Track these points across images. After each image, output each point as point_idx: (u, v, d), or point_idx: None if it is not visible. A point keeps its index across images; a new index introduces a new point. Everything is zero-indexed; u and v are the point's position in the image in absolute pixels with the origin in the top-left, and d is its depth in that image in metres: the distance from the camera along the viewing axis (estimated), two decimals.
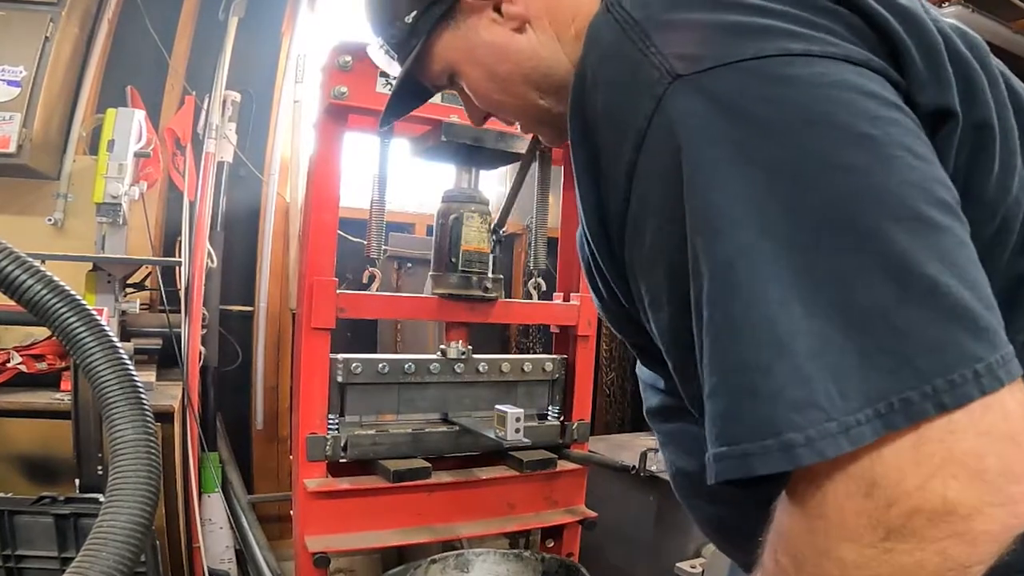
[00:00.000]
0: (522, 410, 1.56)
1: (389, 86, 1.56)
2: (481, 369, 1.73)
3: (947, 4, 3.02)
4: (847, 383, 0.42)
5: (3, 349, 2.06)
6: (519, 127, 0.81)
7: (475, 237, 1.66)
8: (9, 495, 1.57)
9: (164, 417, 2.08)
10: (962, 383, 0.41)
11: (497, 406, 1.59)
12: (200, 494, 2.51)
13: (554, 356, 1.86)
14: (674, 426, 0.75)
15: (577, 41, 0.60)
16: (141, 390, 0.77)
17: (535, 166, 1.85)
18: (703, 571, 2.12)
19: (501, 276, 1.73)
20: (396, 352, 2.94)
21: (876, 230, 0.42)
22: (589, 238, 0.59)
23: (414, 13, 0.72)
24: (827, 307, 0.42)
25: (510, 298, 1.80)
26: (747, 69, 0.45)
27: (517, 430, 1.53)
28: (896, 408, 0.41)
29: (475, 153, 1.67)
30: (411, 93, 0.83)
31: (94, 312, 0.76)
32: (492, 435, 1.57)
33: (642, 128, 0.48)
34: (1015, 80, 0.58)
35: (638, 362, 0.79)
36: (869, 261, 0.42)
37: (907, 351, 0.41)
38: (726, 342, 0.44)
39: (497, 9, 0.67)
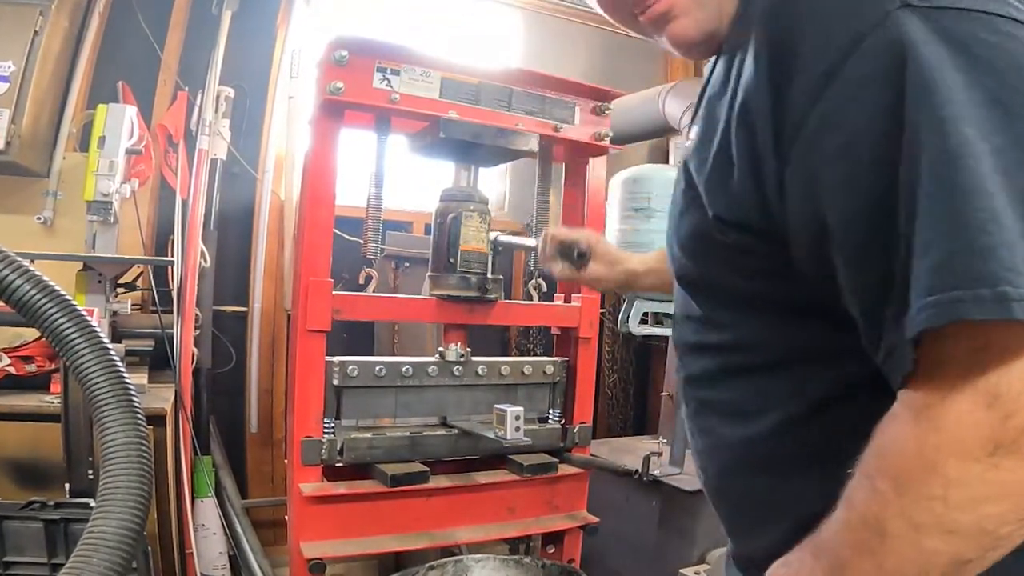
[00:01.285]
0: (521, 408, 1.55)
1: (386, 81, 1.56)
2: (480, 372, 1.73)
3: None
4: None
5: None
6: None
7: (474, 237, 1.66)
8: None
9: (156, 420, 2.08)
10: None
11: (496, 405, 1.59)
12: (193, 499, 2.51)
13: (555, 358, 1.86)
14: (714, 393, 0.77)
15: None
16: (132, 392, 0.77)
17: (536, 164, 1.85)
18: None
19: (501, 277, 1.74)
20: (393, 354, 2.94)
21: None
22: (734, 154, 0.62)
23: None
24: None
25: (510, 299, 1.80)
26: (976, 18, 0.50)
27: (517, 428, 1.53)
28: None
29: (474, 150, 1.67)
30: None
31: (84, 313, 0.76)
32: (491, 435, 1.57)
33: (860, 35, 0.52)
34: None
35: (677, 317, 0.84)
36: None
37: None
38: (945, 207, 0.48)
39: None
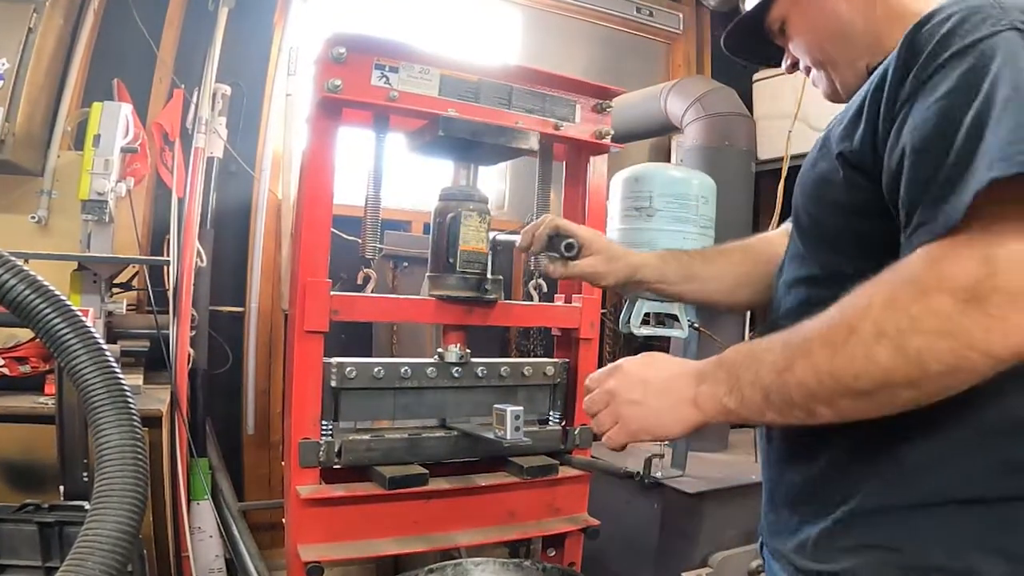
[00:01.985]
0: (521, 408, 1.55)
1: (385, 79, 1.56)
2: (480, 373, 1.73)
3: None
4: None
5: None
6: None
7: (473, 237, 1.66)
8: None
9: (152, 422, 2.09)
10: None
11: (496, 405, 1.59)
12: (189, 501, 2.51)
13: (555, 360, 1.86)
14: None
15: (885, 19, 0.95)
16: (128, 394, 0.77)
17: (536, 162, 1.85)
18: None
19: (500, 277, 1.73)
20: (392, 355, 2.94)
21: None
22: (863, 117, 0.81)
23: None
24: None
25: (510, 299, 1.80)
26: None
27: (517, 428, 1.53)
28: None
29: (473, 148, 1.67)
30: (748, 31, 1.15)
31: (79, 313, 0.76)
32: (491, 436, 1.57)
33: (976, 40, 0.70)
34: None
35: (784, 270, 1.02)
36: None
37: None
38: (1003, 127, 0.65)
39: None
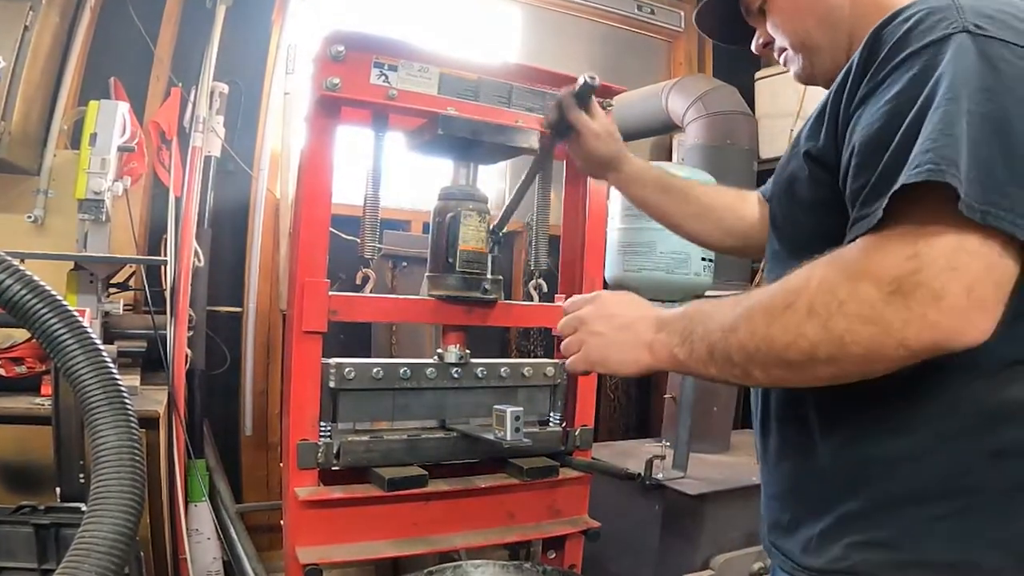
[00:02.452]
0: (521, 408, 1.55)
1: (384, 77, 1.56)
2: (479, 374, 1.73)
3: None
4: (977, 175, 0.66)
5: None
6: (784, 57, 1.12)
7: (473, 236, 1.66)
8: None
9: (149, 423, 2.08)
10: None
11: (496, 406, 1.59)
12: (186, 503, 2.51)
13: (556, 360, 1.86)
14: None
15: (873, 5, 0.94)
16: (125, 395, 0.77)
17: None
18: None
19: (500, 277, 1.73)
20: (391, 355, 2.94)
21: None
22: (826, 115, 0.86)
23: None
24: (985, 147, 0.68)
25: (510, 300, 1.80)
26: (1009, 47, 0.72)
27: (516, 429, 1.53)
28: (989, 217, 0.66)
29: (473, 147, 1.67)
30: (724, 7, 1.16)
31: (76, 313, 0.76)
32: (491, 436, 1.57)
33: (929, 43, 0.74)
34: None
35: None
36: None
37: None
38: (938, 128, 0.69)
39: None
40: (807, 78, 1.09)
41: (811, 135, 0.89)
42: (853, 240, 0.74)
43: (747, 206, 1.37)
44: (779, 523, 0.98)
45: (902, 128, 0.71)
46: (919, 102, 0.71)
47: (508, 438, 1.52)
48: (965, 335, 0.67)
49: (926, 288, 0.66)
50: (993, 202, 0.66)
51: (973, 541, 0.77)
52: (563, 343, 1.04)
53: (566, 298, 1.90)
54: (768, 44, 1.13)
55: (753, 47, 1.17)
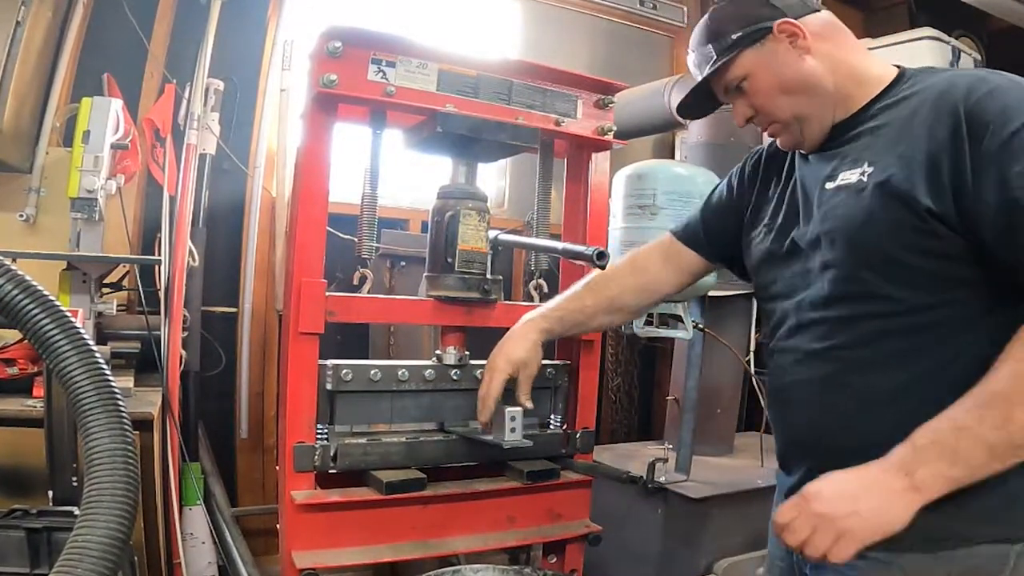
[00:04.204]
0: (520, 408, 1.55)
1: (382, 74, 1.56)
2: (479, 376, 1.72)
3: None
4: None
5: None
6: (767, 131, 1.26)
7: (472, 236, 1.66)
8: None
9: (143, 425, 2.08)
10: None
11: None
12: (181, 507, 2.51)
13: (556, 361, 1.86)
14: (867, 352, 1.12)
15: (850, 79, 1.16)
16: (118, 396, 0.77)
17: (537, 159, 1.85)
18: None
19: (500, 277, 1.73)
20: (389, 357, 2.94)
21: None
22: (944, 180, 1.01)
23: (739, 34, 1.18)
24: None
25: (510, 300, 1.80)
26: None
27: (512, 429, 1.53)
28: None
29: (473, 145, 1.67)
30: (703, 94, 1.29)
31: (68, 314, 0.76)
32: (490, 438, 1.57)
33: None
34: None
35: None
36: None
37: None
38: None
39: (791, 41, 1.16)
40: (795, 145, 1.24)
41: (925, 192, 1.02)
42: None
43: (648, 275, 1.54)
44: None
45: None
46: None
47: (507, 438, 1.52)
48: None
49: None
50: None
51: None
52: (808, 543, 1.01)
53: None
54: (752, 118, 1.25)
55: (737, 122, 1.28)
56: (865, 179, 1.08)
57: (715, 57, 1.22)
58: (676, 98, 3.10)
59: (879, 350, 1.08)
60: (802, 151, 1.24)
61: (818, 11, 1.21)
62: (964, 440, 0.94)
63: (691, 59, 1.30)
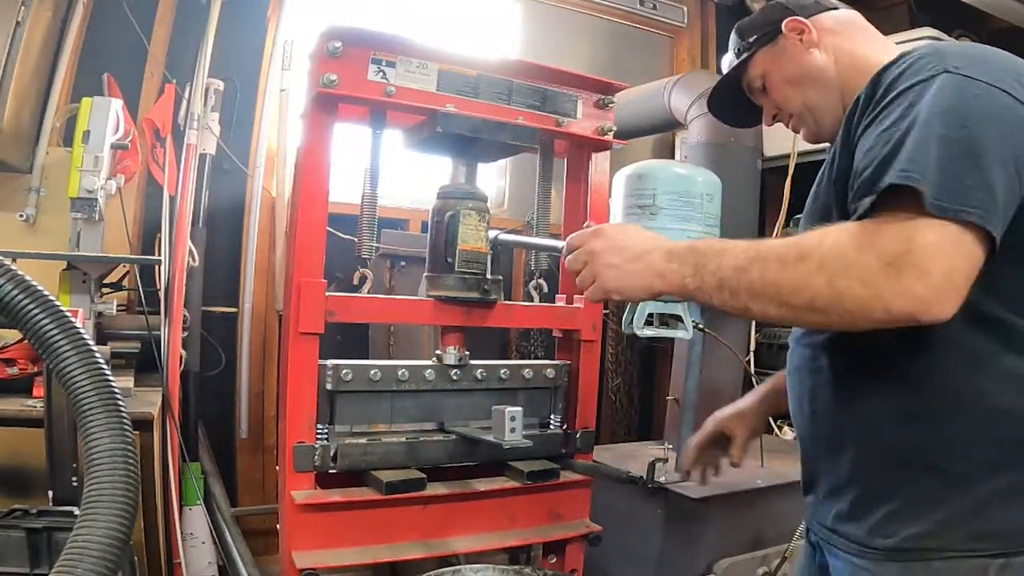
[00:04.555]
0: (520, 408, 1.55)
1: (382, 74, 1.56)
2: (479, 376, 1.73)
3: None
4: (949, 182, 0.85)
5: None
6: (788, 124, 1.32)
7: (472, 236, 1.66)
8: None
9: (142, 425, 2.09)
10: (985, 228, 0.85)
11: (494, 406, 1.59)
12: (181, 507, 2.51)
13: (556, 362, 1.86)
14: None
15: (852, 68, 1.19)
16: (118, 396, 0.77)
17: (537, 159, 1.85)
18: None
19: (500, 277, 1.73)
20: (389, 357, 2.94)
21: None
22: (838, 148, 1.04)
23: (755, 36, 1.29)
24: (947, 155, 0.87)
25: (510, 300, 1.80)
26: (979, 85, 0.91)
27: (512, 430, 1.53)
28: (963, 214, 0.83)
29: (472, 145, 1.67)
30: (731, 91, 1.39)
31: (68, 314, 0.76)
32: (490, 438, 1.57)
33: (918, 81, 0.93)
34: None
35: None
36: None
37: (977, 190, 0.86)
38: (917, 146, 0.88)
39: (799, 37, 1.24)
40: (815, 137, 1.28)
41: (834, 166, 1.06)
42: (856, 216, 0.92)
43: None
44: (840, 512, 1.10)
45: (892, 145, 0.90)
46: (905, 126, 0.90)
47: (506, 438, 1.52)
48: (937, 310, 0.84)
49: (915, 268, 0.83)
50: (965, 202, 0.83)
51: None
52: (578, 277, 1.17)
53: (567, 300, 1.92)
54: (776, 116, 1.33)
55: (764, 122, 1.38)
56: (824, 169, 1.13)
57: (735, 60, 1.34)
58: (677, 98, 3.10)
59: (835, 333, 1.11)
60: (825, 142, 1.27)
61: (835, 9, 1.27)
62: (712, 263, 0.99)
63: (723, 66, 1.42)
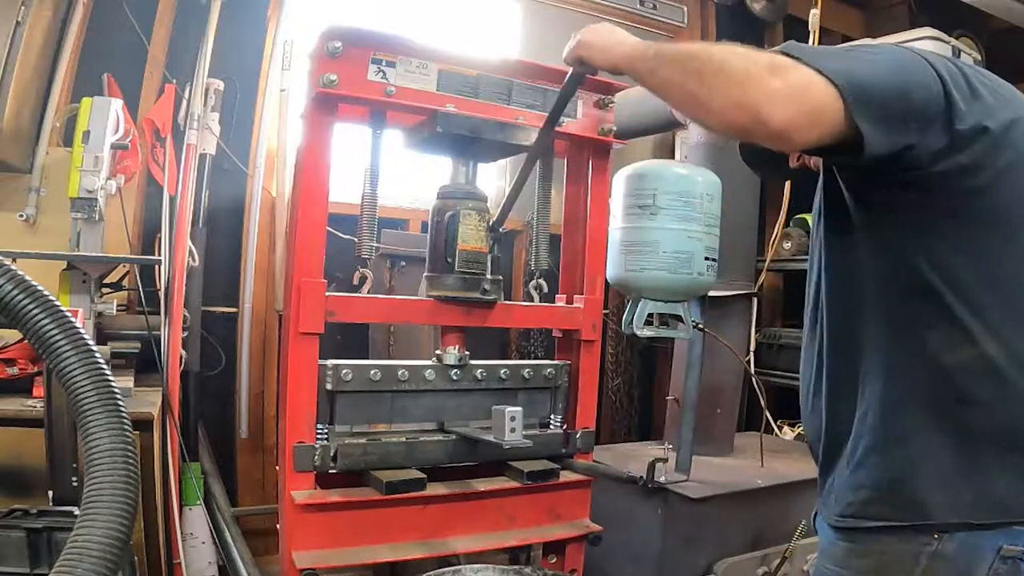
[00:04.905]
0: (520, 408, 1.56)
1: (382, 74, 1.56)
2: (479, 375, 1.73)
3: None
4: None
5: None
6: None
7: (472, 236, 1.66)
8: None
9: (143, 425, 2.08)
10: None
11: (494, 406, 1.59)
12: (181, 507, 2.51)
13: (556, 361, 1.86)
14: None
15: None
16: (118, 396, 0.77)
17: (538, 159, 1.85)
18: None
19: (500, 277, 1.74)
20: (389, 357, 2.94)
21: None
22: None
23: None
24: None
25: (510, 300, 1.80)
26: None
27: (512, 430, 1.53)
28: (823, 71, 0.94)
29: (472, 145, 1.67)
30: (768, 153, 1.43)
31: (68, 314, 0.76)
32: (490, 438, 1.58)
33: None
34: None
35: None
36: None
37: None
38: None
39: None
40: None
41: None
42: None
43: None
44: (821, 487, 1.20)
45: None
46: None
47: (506, 438, 1.52)
48: (773, 111, 0.92)
49: (793, 84, 0.92)
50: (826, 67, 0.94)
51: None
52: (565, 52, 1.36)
53: (567, 300, 1.92)
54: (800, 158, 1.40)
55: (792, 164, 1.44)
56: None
57: None
58: None
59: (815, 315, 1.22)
60: None
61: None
62: (655, 57, 1.10)
63: None
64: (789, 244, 3.56)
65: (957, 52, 3.06)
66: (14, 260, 1.46)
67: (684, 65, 1.02)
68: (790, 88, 0.92)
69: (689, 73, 1.00)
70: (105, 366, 0.77)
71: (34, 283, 0.75)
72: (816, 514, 1.24)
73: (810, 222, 1.30)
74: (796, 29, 3.71)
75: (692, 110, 1.04)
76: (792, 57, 0.94)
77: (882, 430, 1.06)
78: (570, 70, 1.41)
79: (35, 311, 0.74)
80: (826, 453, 1.18)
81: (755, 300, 3.06)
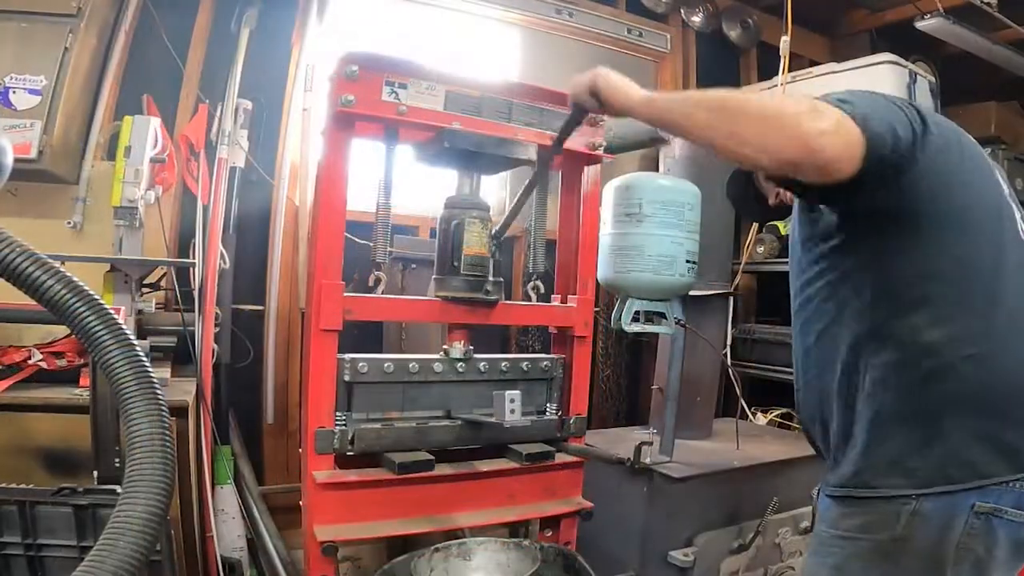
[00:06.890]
0: (518, 392, 1.56)
1: (394, 94, 1.56)
2: (482, 368, 1.73)
3: (929, 16, 3.02)
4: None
5: (25, 347, 2.06)
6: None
7: (476, 242, 1.66)
8: (30, 487, 1.57)
9: (179, 412, 2.09)
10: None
11: (495, 392, 1.59)
12: (213, 486, 2.51)
13: (552, 356, 1.86)
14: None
15: None
16: (156, 386, 0.77)
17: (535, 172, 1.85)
18: (695, 559, 2.12)
19: (501, 279, 1.74)
20: (401, 351, 2.94)
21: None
22: None
23: None
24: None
25: (510, 300, 1.80)
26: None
27: (512, 411, 1.53)
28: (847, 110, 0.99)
29: (476, 159, 1.67)
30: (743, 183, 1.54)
31: (111, 311, 0.76)
32: (492, 418, 1.58)
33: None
34: None
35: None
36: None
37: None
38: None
39: None
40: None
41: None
42: None
43: None
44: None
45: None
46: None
47: (506, 418, 1.53)
48: (824, 144, 0.95)
49: (831, 121, 0.97)
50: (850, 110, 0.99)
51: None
52: (572, 90, 1.29)
53: (562, 300, 1.92)
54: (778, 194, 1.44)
55: (771, 202, 1.48)
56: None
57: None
58: None
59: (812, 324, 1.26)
60: None
61: None
62: (679, 102, 1.13)
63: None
64: (762, 248, 3.55)
65: (914, 75, 3.06)
66: (63, 263, 1.46)
67: (723, 108, 1.03)
68: (836, 126, 0.95)
69: (730, 114, 1.01)
70: (144, 358, 0.77)
71: (81, 284, 0.75)
72: (819, 491, 1.29)
73: (781, 229, 1.33)
74: (768, 55, 3.71)
75: (737, 147, 1.02)
76: (822, 101, 0.99)
77: (866, 412, 1.11)
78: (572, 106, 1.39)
79: (82, 309, 0.74)
80: (822, 437, 1.24)
81: (731, 299, 3.06)
